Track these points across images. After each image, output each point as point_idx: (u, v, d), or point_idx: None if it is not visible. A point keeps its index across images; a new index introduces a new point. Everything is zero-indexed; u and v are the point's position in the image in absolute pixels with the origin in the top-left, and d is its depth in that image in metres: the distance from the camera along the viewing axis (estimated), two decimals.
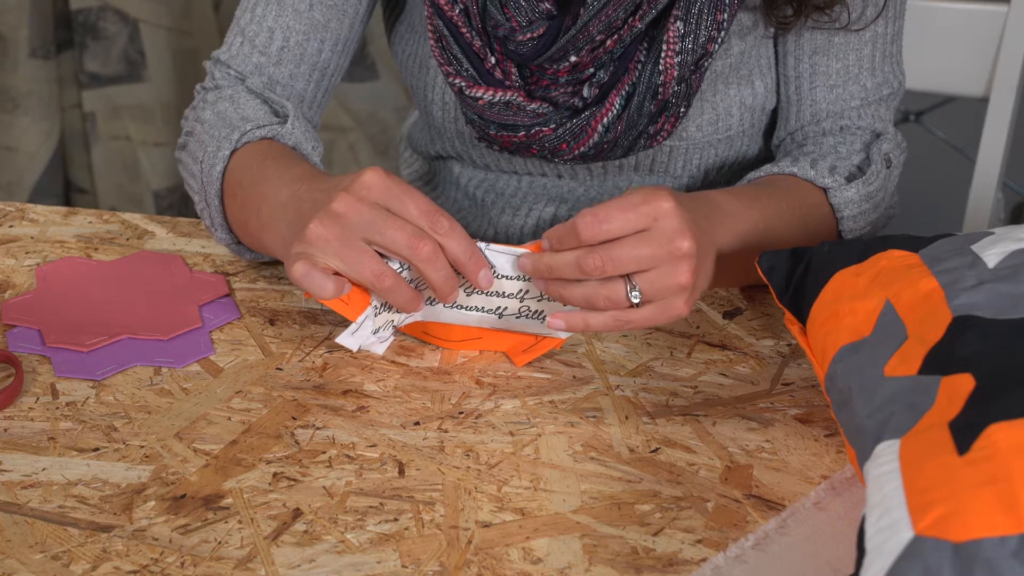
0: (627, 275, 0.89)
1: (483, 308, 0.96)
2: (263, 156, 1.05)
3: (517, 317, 0.96)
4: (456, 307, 0.96)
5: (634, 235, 0.88)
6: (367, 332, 0.93)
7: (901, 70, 1.17)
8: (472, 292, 0.95)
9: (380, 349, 0.96)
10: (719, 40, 1.08)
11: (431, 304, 0.96)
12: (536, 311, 0.96)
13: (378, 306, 0.93)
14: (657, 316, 0.90)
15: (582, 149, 1.11)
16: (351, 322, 0.92)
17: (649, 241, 0.88)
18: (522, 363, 0.98)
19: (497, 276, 0.94)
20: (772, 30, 1.13)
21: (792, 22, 1.11)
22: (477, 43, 1.10)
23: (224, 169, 1.06)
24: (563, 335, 0.97)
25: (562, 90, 1.10)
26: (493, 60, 1.10)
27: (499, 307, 0.96)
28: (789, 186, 1.07)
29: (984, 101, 1.47)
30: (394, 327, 0.95)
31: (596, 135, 1.10)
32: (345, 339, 0.93)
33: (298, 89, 1.16)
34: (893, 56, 1.15)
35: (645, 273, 0.89)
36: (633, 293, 0.89)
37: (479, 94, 1.10)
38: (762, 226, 1.01)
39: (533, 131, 1.11)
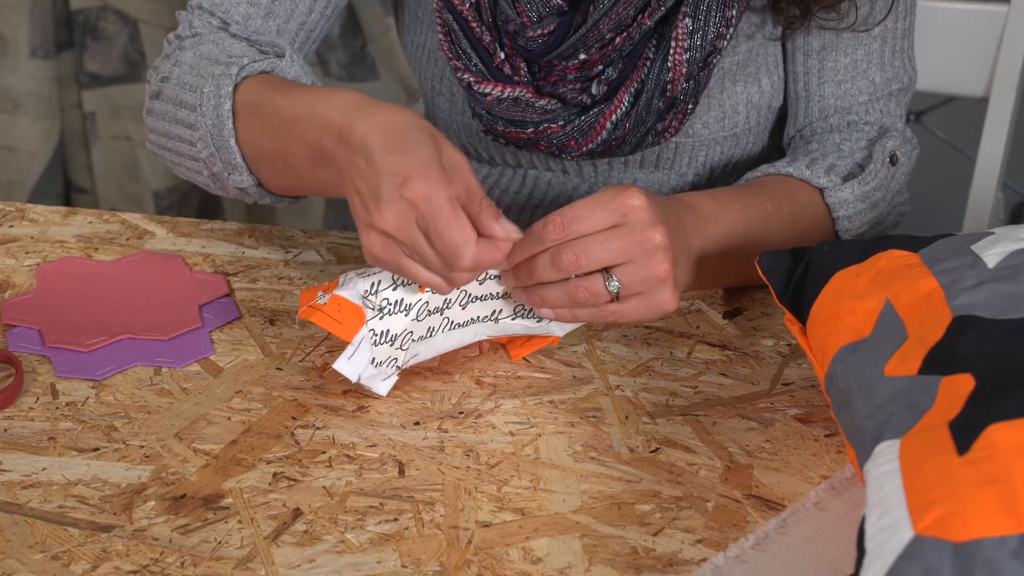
0: (605, 269, 0.90)
1: (479, 317, 0.95)
2: (275, 87, 0.99)
3: (513, 318, 0.96)
4: (454, 327, 0.94)
5: (606, 230, 0.90)
6: (364, 360, 0.90)
7: (912, 66, 1.16)
8: (467, 303, 0.94)
9: (383, 389, 0.92)
10: (728, 37, 1.08)
11: (430, 336, 0.93)
12: (530, 308, 0.95)
13: (377, 334, 0.90)
14: (644, 310, 0.91)
15: (590, 146, 1.11)
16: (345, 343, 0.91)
17: (620, 234, 0.89)
18: (518, 356, 0.98)
19: (489, 277, 0.94)
20: (780, 30, 1.13)
21: (799, 22, 1.10)
22: (487, 38, 1.10)
23: (232, 106, 1.00)
24: (559, 332, 0.97)
25: (571, 87, 1.10)
26: (502, 55, 1.10)
27: (494, 310, 0.95)
28: (779, 186, 1.07)
29: (984, 101, 1.47)
30: (398, 367, 0.92)
31: (604, 132, 1.10)
32: (342, 365, 0.90)
33: (282, 48, 1.09)
34: (904, 51, 1.15)
35: (622, 266, 0.90)
36: (611, 284, 0.89)
37: (488, 90, 1.10)
38: (740, 228, 1.01)
39: (541, 127, 1.11)
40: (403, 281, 0.91)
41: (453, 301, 0.93)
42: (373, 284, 0.90)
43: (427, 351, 0.94)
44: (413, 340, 0.92)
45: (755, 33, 1.13)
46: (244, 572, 0.78)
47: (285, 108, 0.96)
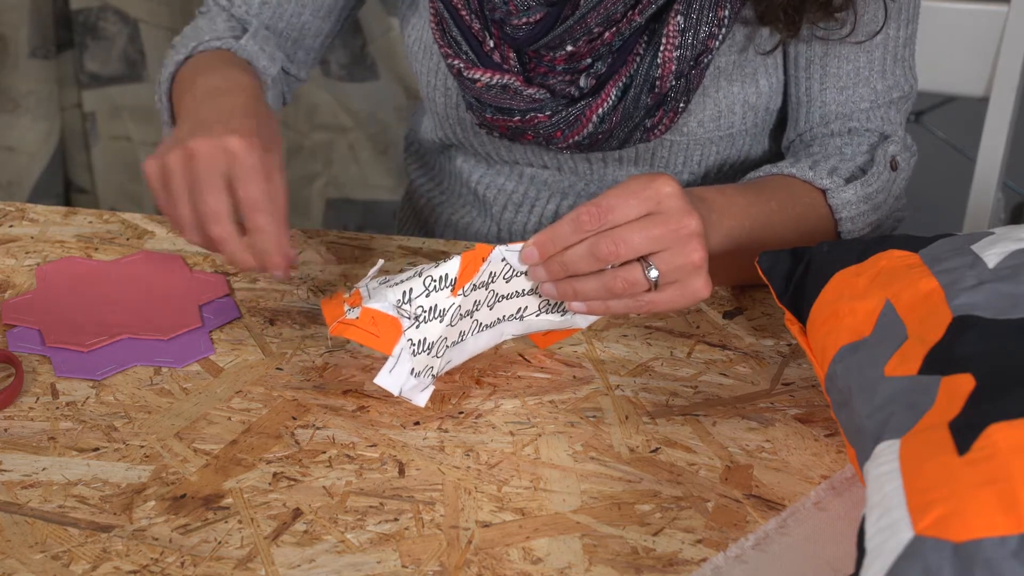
0: (641, 258, 0.90)
1: (505, 316, 0.94)
2: (207, 65, 1.11)
3: (538, 315, 0.95)
4: (482, 328, 0.94)
5: (642, 218, 0.89)
6: (405, 372, 0.89)
7: (913, 74, 1.16)
8: (495, 303, 0.94)
9: (421, 400, 0.91)
10: (720, 37, 1.08)
11: (462, 341, 0.93)
12: (556, 302, 0.95)
13: (414, 343, 0.89)
14: (679, 298, 0.91)
15: (576, 138, 1.12)
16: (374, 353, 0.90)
17: (657, 222, 0.89)
18: (545, 345, 0.98)
19: (517, 274, 0.93)
20: (772, 41, 1.13)
21: (787, 34, 1.10)
22: (476, 25, 1.11)
23: (174, 73, 1.14)
24: (583, 324, 0.97)
25: (559, 78, 1.11)
26: (491, 43, 1.11)
27: (520, 308, 0.95)
28: (783, 186, 1.07)
29: (984, 101, 1.47)
30: (434, 375, 0.92)
31: (591, 125, 1.11)
32: (383, 379, 0.89)
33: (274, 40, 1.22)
34: (905, 60, 1.15)
35: (658, 254, 0.90)
36: (650, 271, 0.89)
37: (477, 76, 1.11)
38: (747, 224, 1.01)
39: (528, 116, 1.11)
40: (434, 287, 0.89)
41: (482, 302, 0.92)
42: (405, 293, 0.89)
43: (459, 356, 0.94)
44: (447, 346, 0.91)
45: (747, 45, 1.13)
46: (244, 572, 0.78)
47: (202, 75, 1.08)
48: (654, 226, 0.89)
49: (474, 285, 0.91)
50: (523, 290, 0.94)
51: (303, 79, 1.27)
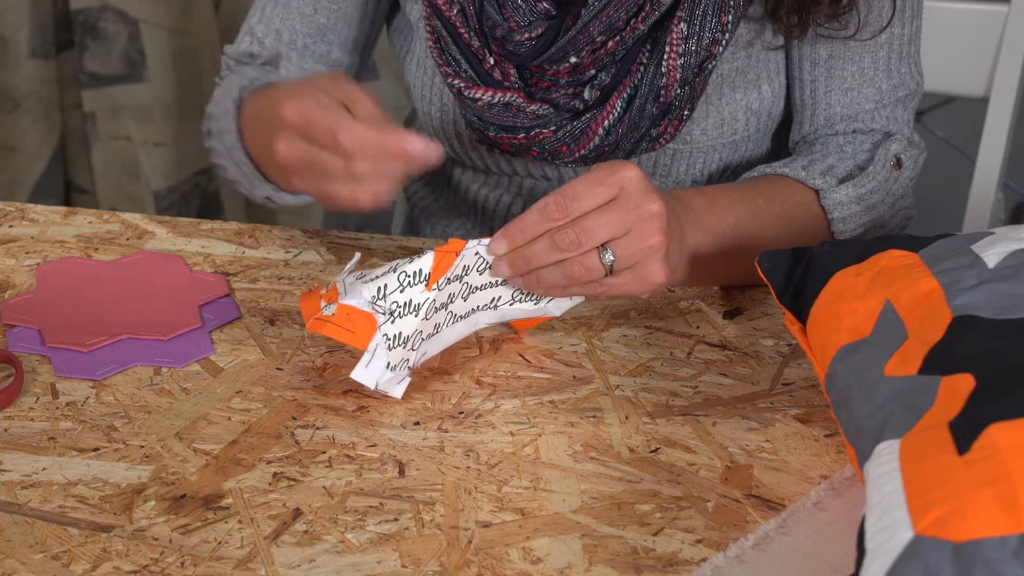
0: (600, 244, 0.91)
1: (479, 307, 0.95)
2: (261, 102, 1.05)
3: (511, 304, 0.96)
4: (457, 319, 0.95)
5: (605, 205, 0.90)
6: (381, 366, 0.90)
7: (919, 71, 1.16)
8: (469, 295, 0.94)
9: (398, 392, 0.92)
10: (723, 42, 1.07)
11: (437, 333, 0.94)
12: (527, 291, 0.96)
13: (390, 338, 0.90)
14: (634, 282, 0.92)
15: (583, 152, 1.11)
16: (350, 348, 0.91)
17: (617, 207, 0.90)
18: (523, 329, 0.99)
19: (490, 266, 0.94)
20: (779, 39, 1.12)
21: (798, 32, 1.10)
22: (475, 43, 1.09)
23: (237, 128, 1.06)
24: (556, 312, 0.98)
25: (563, 92, 1.10)
26: (491, 61, 1.10)
27: (493, 298, 0.96)
28: (773, 185, 1.07)
29: (984, 101, 1.47)
30: (410, 367, 0.92)
31: (597, 137, 1.10)
32: (359, 373, 0.90)
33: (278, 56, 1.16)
34: (911, 57, 1.14)
35: (618, 240, 0.91)
36: (605, 257, 0.91)
37: (478, 95, 1.10)
38: (731, 220, 1.01)
39: (533, 133, 1.11)
40: (409, 281, 0.90)
41: (456, 295, 0.93)
42: (380, 289, 0.90)
43: (434, 348, 0.95)
44: (423, 339, 0.92)
45: (754, 40, 1.12)
46: (244, 572, 0.78)
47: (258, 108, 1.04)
48: (615, 211, 0.90)
49: (448, 279, 0.92)
50: (496, 281, 0.95)
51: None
